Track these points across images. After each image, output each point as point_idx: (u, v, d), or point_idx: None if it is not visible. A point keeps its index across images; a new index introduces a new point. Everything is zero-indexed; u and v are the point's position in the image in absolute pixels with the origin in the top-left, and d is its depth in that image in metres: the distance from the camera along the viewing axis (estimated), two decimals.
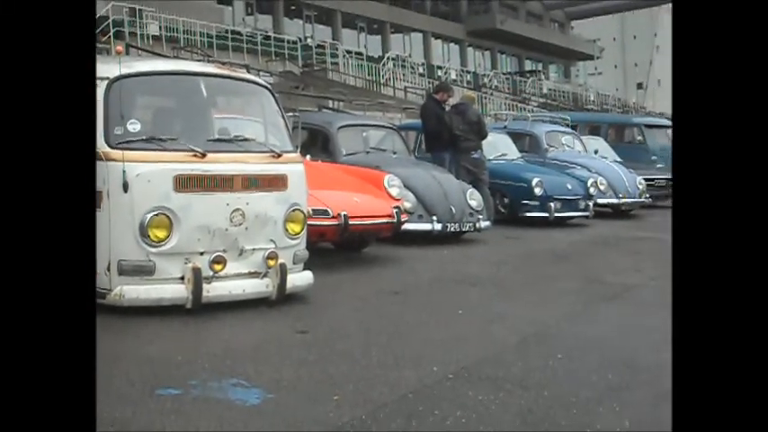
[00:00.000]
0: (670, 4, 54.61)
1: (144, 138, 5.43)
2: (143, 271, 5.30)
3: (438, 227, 9.27)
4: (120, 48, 6.12)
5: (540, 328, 5.48)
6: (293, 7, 36.62)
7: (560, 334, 5.39)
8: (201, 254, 5.43)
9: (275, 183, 5.80)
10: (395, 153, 10.55)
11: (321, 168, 8.43)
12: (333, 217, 7.37)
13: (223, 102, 6.77)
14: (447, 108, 11.46)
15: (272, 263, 5.69)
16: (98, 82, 5.16)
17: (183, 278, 5.37)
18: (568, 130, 15.58)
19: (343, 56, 32.15)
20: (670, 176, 15.12)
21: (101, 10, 21.35)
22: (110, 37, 20.73)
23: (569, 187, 12.05)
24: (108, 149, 5.23)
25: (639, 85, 71.89)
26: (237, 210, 5.55)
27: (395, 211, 7.99)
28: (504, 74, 45.13)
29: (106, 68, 5.42)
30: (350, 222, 7.44)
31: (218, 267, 5.47)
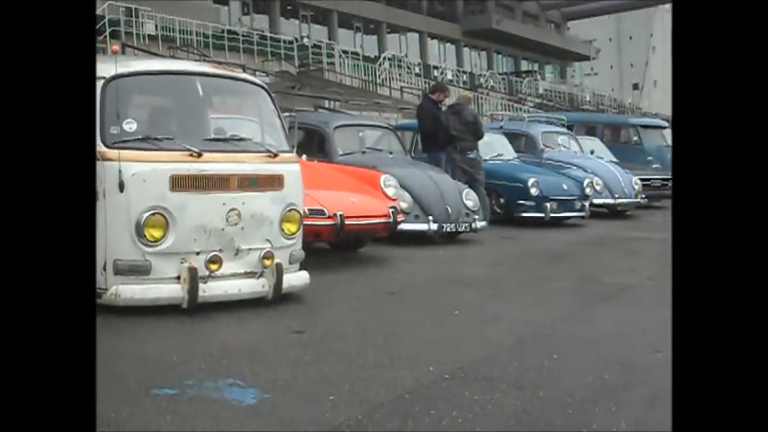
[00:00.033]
0: (666, 5, 54.80)
1: (140, 137, 5.42)
2: (139, 270, 5.29)
3: (434, 227, 9.27)
4: (116, 47, 6.10)
5: (536, 329, 5.49)
6: (289, 7, 36.61)
7: (556, 334, 5.40)
8: (197, 253, 5.42)
9: (271, 183, 5.80)
10: (391, 153, 10.55)
11: (317, 168, 8.43)
12: (329, 217, 7.37)
13: (219, 101, 6.76)
14: (443, 108, 11.46)
15: (268, 263, 5.69)
16: None
17: (178, 278, 5.36)
18: (564, 130, 15.61)
19: (340, 56, 32.17)
20: (666, 177, 15.18)
21: (97, 9, 21.32)
22: (106, 36, 20.70)
23: (565, 187, 12.07)
24: (104, 149, 5.22)
25: (635, 86, 72.01)
26: (233, 209, 5.54)
27: (391, 211, 7.99)
28: (500, 74, 45.19)
29: (102, 68, 5.40)
30: (346, 222, 7.44)
31: (214, 267, 5.46)
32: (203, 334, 5.01)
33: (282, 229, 5.85)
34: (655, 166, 16.26)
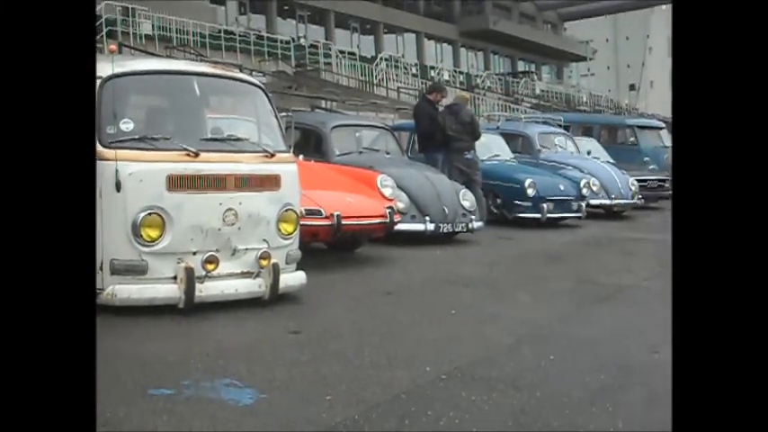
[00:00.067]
0: (662, 6, 54.85)
1: (137, 137, 5.42)
2: (135, 270, 5.28)
3: (431, 227, 9.27)
4: (113, 47, 6.09)
5: (533, 329, 5.49)
6: (286, 7, 36.56)
7: (553, 335, 5.40)
8: (194, 253, 5.41)
9: (268, 183, 5.80)
10: (388, 153, 10.55)
11: (314, 168, 8.43)
12: (326, 217, 7.36)
13: (216, 101, 6.76)
14: (440, 108, 11.46)
15: (264, 263, 5.68)
16: None
17: (175, 278, 5.36)
18: (561, 130, 15.61)
19: (336, 56, 32.13)
20: (662, 178, 15.20)
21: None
22: (102, 36, 20.67)
23: (562, 188, 12.07)
24: (101, 148, 5.21)
25: (632, 87, 72.19)
26: (230, 209, 5.54)
27: (388, 211, 7.99)
28: (496, 75, 45.16)
29: (99, 67, 5.37)
30: (343, 222, 7.44)
31: (210, 267, 5.46)
32: (200, 334, 5.00)
33: (279, 230, 5.84)
34: (651, 166, 16.26)
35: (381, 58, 34.22)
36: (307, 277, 6.08)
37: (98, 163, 5.13)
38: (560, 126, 16.14)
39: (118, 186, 5.20)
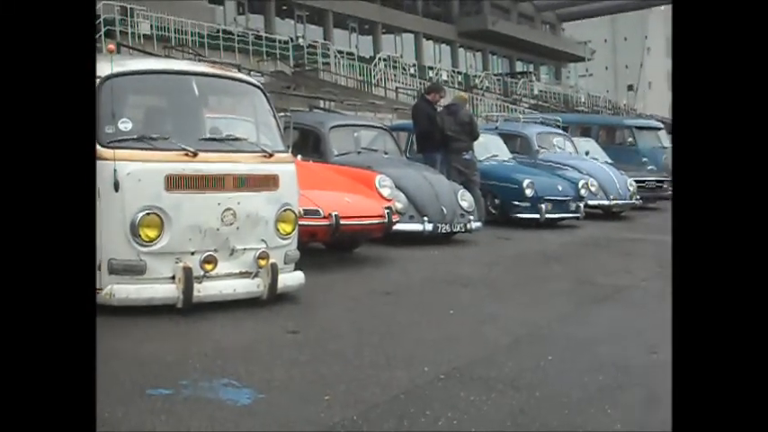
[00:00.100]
0: (661, 7, 54.84)
1: (135, 137, 5.41)
2: (134, 270, 5.28)
3: (429, 227, 9.26)
4: (111, 46, 6.09)
5: (532, 329, 5.49)
6: (285, 7, 36.56)
7: (551, 335, 5.40)
8: (192, 253, 5.41)
9: (266, 182, 5.79)
10: (386, 153, 10.55)
11: (312, 168, 8.43)
12: (324, 217, 7.36)
13: (215, 101, 6.76)
14: (439, 109, 11.47)
15: (262, 263, 5.68)
16: None
17: (173, 278, 5.35)
18: (559, 131, 15.60)
19: (335, 56, 32.13)
20: (660, 178, 15.21)
21: None
22: (101, 36, 20.65)
23: (560, 188, 12.07)
24: (99, 148, 5.19)
25: (630, 87, 72.12)
26: (229, 209, 5.53)
27: (386, 211, 7.99)
28: (495, 75, 45.18)
29: (98, 67, 5.37)
30: (341, 222, 7.44)
31: (208, 267, 5.45)
32: (198, 334, 5.00)
33: (278, 229, 5.84)
34: (650, 167, 16.27)
35: (380, 59, 34.23)
36: (305, 277, 6.08)
37: (96, 163, 5.13)
38: (558, 126, 16.13)
39: (116, 186, 5.20)
